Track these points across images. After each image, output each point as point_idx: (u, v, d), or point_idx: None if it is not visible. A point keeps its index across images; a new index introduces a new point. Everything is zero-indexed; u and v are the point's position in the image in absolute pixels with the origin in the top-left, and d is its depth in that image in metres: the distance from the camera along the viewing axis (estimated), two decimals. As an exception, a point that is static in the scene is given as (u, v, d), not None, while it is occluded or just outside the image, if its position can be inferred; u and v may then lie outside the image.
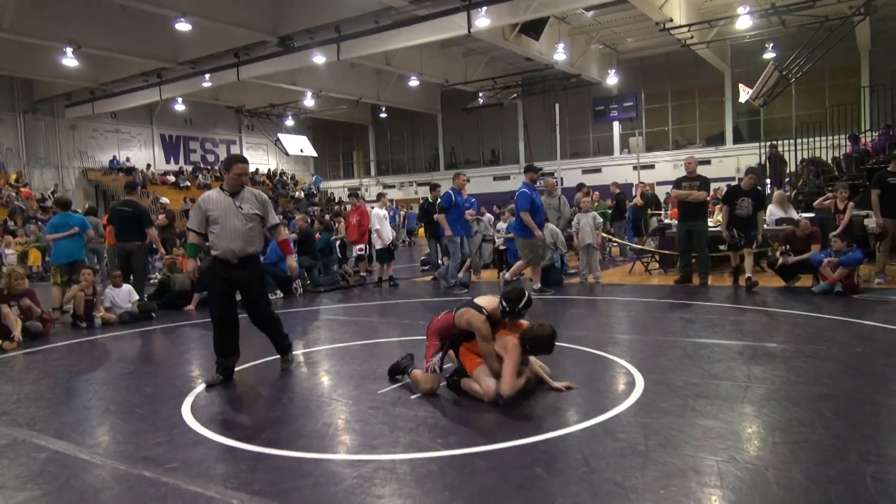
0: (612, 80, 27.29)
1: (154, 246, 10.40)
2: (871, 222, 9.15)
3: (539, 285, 9.24)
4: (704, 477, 2.97)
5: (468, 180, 11.35)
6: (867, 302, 7.45)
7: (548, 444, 3.47)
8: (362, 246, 11.87)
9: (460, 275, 10.49)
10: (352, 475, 3.19)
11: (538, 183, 10.07)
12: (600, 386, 4.58)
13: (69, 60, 19.64)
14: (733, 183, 14.14)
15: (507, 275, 9.77)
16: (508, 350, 4.21)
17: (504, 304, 4.38)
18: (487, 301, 4.46)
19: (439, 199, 10.81)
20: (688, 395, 4.18)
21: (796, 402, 3.97)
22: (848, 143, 15.34)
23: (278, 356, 5.59)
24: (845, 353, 5.28)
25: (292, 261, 5.69)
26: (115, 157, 29.26)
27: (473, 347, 4.45)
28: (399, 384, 4.73)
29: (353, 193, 12.63)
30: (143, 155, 30.76)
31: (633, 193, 16.30)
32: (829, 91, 24.28)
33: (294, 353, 5.67)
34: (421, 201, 13.44)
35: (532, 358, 4.44)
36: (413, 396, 4.46)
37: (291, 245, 11.43)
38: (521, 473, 3.13)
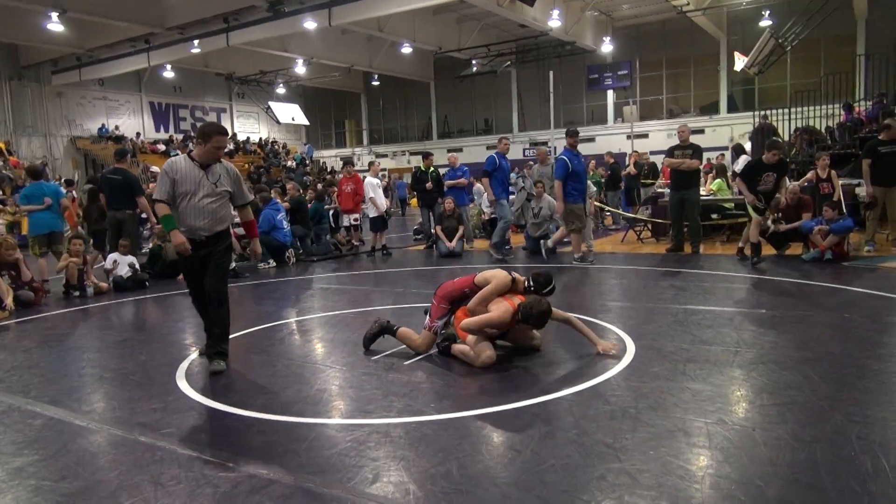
0: (607, 47, 27.00)
1: (144, 215, 10.32)
2: (862, 191, 9.18)
3: (580, 254, 8.98)
4: (693, 438, 3.02)
5: (510, 144, 11.00)
6: (856, 269, 7.52)
7: (539, 408, 3.52)
8: (357, 216, 11.87)
9: (452, 244, 10.50)
10: (346, 438, 3.23)
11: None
12: (592, 351, 4.63)
13: (54, 25, 19.26)
14: (732, 154, 14.05)
15: (550, 242, 9.79)
16: (496, 309, 4.32)
17: (531, 283, 4.52)
18: (517, 275, 4.59)
19: (483, 163, 10.64)
20: (678, 359, 4.23)
21: (784, 365, 4.03)
22: (842, 111, 15.30)
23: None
24: (833, 318, 5.35)
25: (257, 245, 5.26)
26: (103, 125, 28.88)
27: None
28: (388, 352, 4.76)
29: (348, 161, 12.58)
30: (133, 123, 30.36)
31: (627, 162, 16.26)
32: (825, 60, 24.11)
33: (223, 361, 4.58)
34: (413, 170, 13.36)
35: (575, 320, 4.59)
36: (407, 362, 4.49)
37: (258, 227, 11.56)
38: (514, 436, 3.18)
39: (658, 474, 2.68)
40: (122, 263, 8.61)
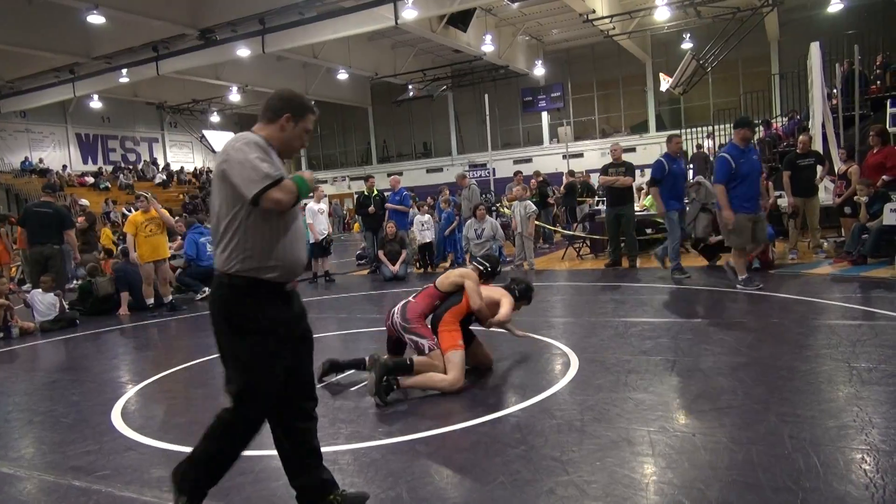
0: (539, 70, 27.73)
1: (70, 251, 9.89)
2: (784, 202, 9.68)
3: (745, 275, 7.13)
4: (637, 447, 3.10)
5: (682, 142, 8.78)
6: (781, 276, 7.89)
7: (487, 426, 3.53)
8: None
9: (395, 268, 10.47)
10: (293, 469, 3.15)
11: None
12: (537, 367, 4.69)
13: (-29, 56, 18.41)
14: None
15: (661, 256, 8.66)
16: (504, 294, 4.60)
17: (484, 267, 4.91)
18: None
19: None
20: (620, 371, 4.34)
21: (719, 371, 4.18)
22: (761, 128, 16.15)
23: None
24: (763, 324, 5.60)
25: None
26: (26, 157, 27.57)
27: (449, 325, 4.34)
28: (335, 378, 4.69)
29: None
30: (58, 155, 29.14)
31: (563, 182, 16.67)
32: (743, 79, 25.45)
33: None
34: (356, 195, 13.32)
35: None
36: (354, 388, 4.44)
37: None
38: (463, 455, 3.19)
39: (605, 484, 2.73)
40: (44, 304, 8.17)
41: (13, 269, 10.54)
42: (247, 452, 3.40)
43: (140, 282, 8.75)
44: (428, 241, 11.58)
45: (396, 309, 4.55)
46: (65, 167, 28.44)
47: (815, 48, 11.24)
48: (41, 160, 27.93)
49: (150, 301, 8.69)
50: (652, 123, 28.19)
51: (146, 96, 28.19)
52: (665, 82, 21.47)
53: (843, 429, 3.14)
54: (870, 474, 2.65)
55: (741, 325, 5.57)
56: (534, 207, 11.24)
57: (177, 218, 11.86)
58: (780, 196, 10.16)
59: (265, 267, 2.42)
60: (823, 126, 10.97)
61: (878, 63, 13.93)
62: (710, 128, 17.20)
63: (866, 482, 2.59)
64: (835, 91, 13.00)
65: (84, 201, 21.61)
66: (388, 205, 11.58)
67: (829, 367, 4.18)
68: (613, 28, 20.57)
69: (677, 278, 8.10)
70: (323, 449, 3.35)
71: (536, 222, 14.20)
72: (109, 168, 30.25)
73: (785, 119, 15.81)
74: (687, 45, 21.47)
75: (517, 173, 15.06)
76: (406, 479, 2.93)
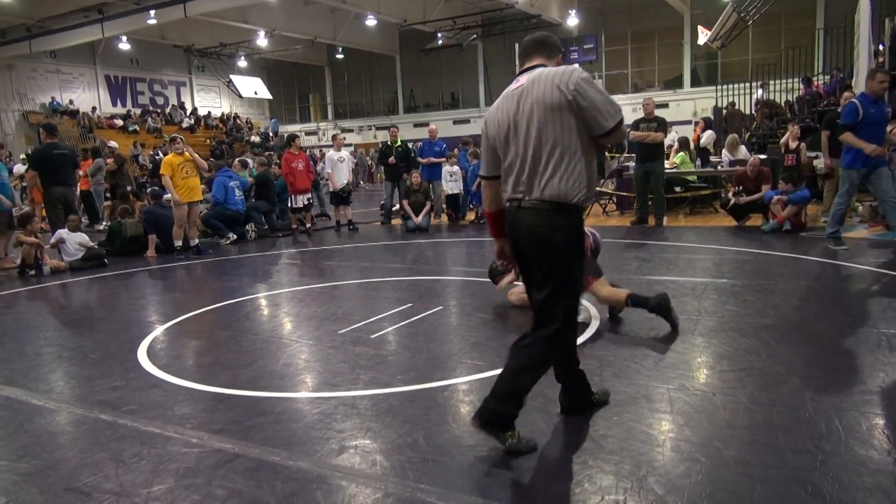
0: (573, 21, 26.93)
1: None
2: (820, 163, 9.38)
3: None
4: (655, 403, 3.08)
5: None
6: (813, 239, 7.70)
7: (506, 378, 3.54)
8: (310, 195, 11.13)
9: (418, 219, 10.42)
10: (312, 412, 3.21)
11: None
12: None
13: (1, -6, 18.41)
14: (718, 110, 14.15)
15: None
16: None
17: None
18: None
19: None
20: (641, 328, 4.30)
21: (743, 332, 4.12)
22: (801, 85, 15.58)
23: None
24: (791, 286, 5.49)
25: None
26: (53, 98, 27.74)
27: None
28: (355, 326, 4.74)
29: (293, 137, 11.44)
30: (88, 97, 29.32)
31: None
32: (786, 34, 24.47)
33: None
34: (380, 145, 13.21)
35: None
36: (373, 336, 4.48)
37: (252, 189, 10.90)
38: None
39: (621, 439, 2.73)
40: (71, 241, 8.34)
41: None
42: (268, 394, 3.48)
43: (168, 224, 8.86)
44: (455, 192, 11.44)
45: None
46: (94, 109, 28.63)
47: (864, 1, 10.69)
48: (71, 101, 28.13)
49: (179, 243, 8.81)
50: (687, 79, 27.37)
51: (174, 39, 28.05)
52: (703, 36, 20.71)
53: (868, 394, 3.08)
54: (893, 440, 2.61)
55: (768, 287, 5.47)
56: None
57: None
58: (816, 157, 9.85)
59: (591, 196, 2.65)
60: (868, 85, 10.52)
61: (930, 19, 13.22)
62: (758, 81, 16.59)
63: (889, 448, 2.55)
64: (881, 48, 12.41)
65: (113, 143, 21.78)
66: (429, 158, 11.39)
67: (857, 331, 4.09)
68: (652, -23, 19.79)
69: (832, 249, 6.94)
70: (342, 394, 3.42)
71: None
72: (138, 111, 30.39)
73: (827, 77, 15.21)
74: (728, -3, 20.58)
75: None
76: (423, 426, 2.96)
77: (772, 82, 15.89)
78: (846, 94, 9.14)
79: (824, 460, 2.47)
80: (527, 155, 2.56)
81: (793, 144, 9.55)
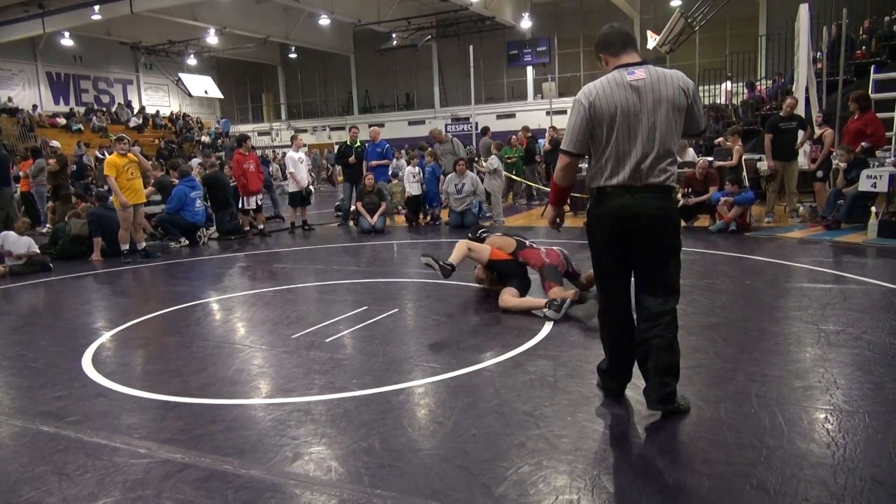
0: (526, 23, 27.24)
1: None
2: (764, 165, 9.72)
3: None
4: (608, 403, 3.14)
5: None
6: (757, 239, 7.98)
7: (461, 380, 3.55)
8: (261, 196, 10.82)
9: (373, 220, 10.34)
10: (266, 418, 3.16)
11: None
12: (512, 323, 4.71)
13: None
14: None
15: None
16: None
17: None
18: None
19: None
20: (593, 329, 4.37)
21: (691, 331, 4.23)
22: (745, 89, 16.10)
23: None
24: (737, 285, 5.67)
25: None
26: (-6, 96, 26.63)
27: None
28: (309, 330, 4.68)
29: (244, 138, 11.15)
30: (28, 94, 28.17)
31: (545, 138, 16.55)
32: (731, 39, 25.25)
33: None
34: (336, 145, 13.10)
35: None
36: (328, 340, 4.43)
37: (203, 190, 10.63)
38: (435, 408, 3.21)
39: (575, 438, 2.77)
40: (17, 246, 7.99)
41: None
42: (220, 402, 3.41)
43: (114, 227, 8.59)
44: (416, 193, 11.32)
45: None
46: (35, 107, 27.54)
47: (803, 10, 11.11)
48: (10, 99, 27.00)
49: (125, 247, 8.55)
50: (637, 82, 27.93)
51: (120, 35, 27.21)
52: (652, 40, 21.16)
53: (809, 389, 3.21)
54: (832, 433, 2.72)
55: (714, 286, 5.63)
56: (497, 163, 11.14)
57: (151, 163, 11.54)
58: (759, 159, 10.20)
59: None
60: (807, 90, 10.95)
61: (864, 27, 13.83)
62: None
63: (828, 441, 2.65)
64: (819, 55, 12.93)
65: (55, 143, 21.05)
66: (370, 162, 11.30)
67: (798, 328, 4.25)
68: (603, -19, 20.16)
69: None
70: (296, 399, 3.37)
71: (518, 178, 14.21)
72: (82, 110, 29.36)
73: (769, 82, 15.76)
74: (676, 3, 21.12)
75: (485, 129, 15.40)
76: (379, 430, 2.95)
77: (718, 86, 16.39)
78: (788, 99, 9.48)
79: (768, 455, 2.56)
80: (651, 147, 2.81)
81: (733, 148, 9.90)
